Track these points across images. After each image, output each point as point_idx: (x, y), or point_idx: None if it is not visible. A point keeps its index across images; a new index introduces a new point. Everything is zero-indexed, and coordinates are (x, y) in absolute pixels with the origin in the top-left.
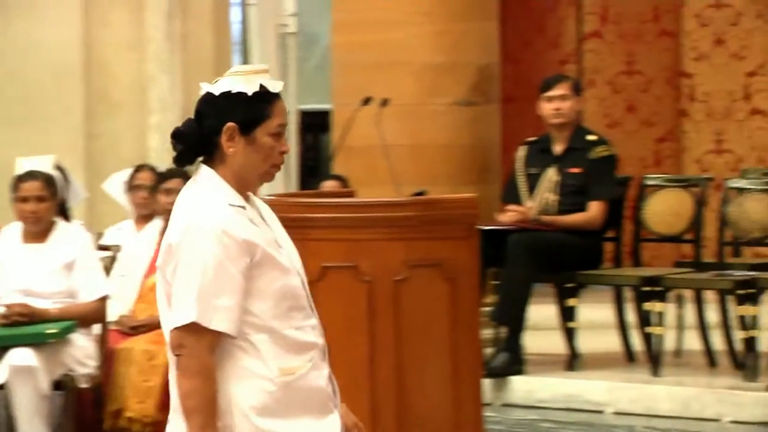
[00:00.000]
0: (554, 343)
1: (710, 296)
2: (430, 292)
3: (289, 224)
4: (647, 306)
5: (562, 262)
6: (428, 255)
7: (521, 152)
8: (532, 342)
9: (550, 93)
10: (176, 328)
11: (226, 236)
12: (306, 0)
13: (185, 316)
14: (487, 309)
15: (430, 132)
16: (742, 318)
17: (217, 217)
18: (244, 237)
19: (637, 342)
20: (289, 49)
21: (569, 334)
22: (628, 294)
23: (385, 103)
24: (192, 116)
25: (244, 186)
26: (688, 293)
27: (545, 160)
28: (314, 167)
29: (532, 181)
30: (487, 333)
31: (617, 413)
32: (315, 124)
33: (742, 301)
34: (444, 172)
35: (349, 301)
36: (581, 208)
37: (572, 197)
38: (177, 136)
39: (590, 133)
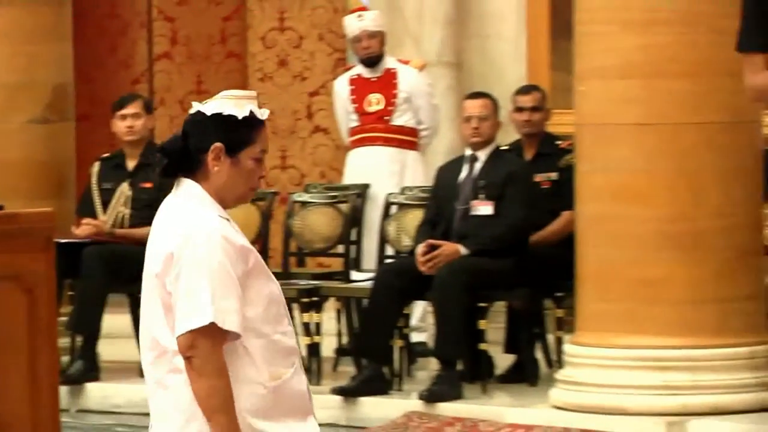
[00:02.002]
0: (128, 350)
1: None
2: (9, 303)
3: None
4: None
5: (134, 272)
6: (6, 267)
7: (95, 168)
8: (107, 350)
9: (124, 111)
10: (188, 331)
11: (226, 242)
12: None
13: (200, 318)
14: (64, 318)
15: (6, 149)
16: (306, 325)
17: (214, 224)
18: (241, 243)
19: None
20: None
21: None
22: None
23: None
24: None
25: (222, 204)
26: None
27: (119, 175)
28: None
29: (106, 196)
30: (63, 341)
31: None
32: None
33: (306, 308)
34: (21, 187)
35: None
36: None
37: (145, 211)
38: (163, 150)
39: None
